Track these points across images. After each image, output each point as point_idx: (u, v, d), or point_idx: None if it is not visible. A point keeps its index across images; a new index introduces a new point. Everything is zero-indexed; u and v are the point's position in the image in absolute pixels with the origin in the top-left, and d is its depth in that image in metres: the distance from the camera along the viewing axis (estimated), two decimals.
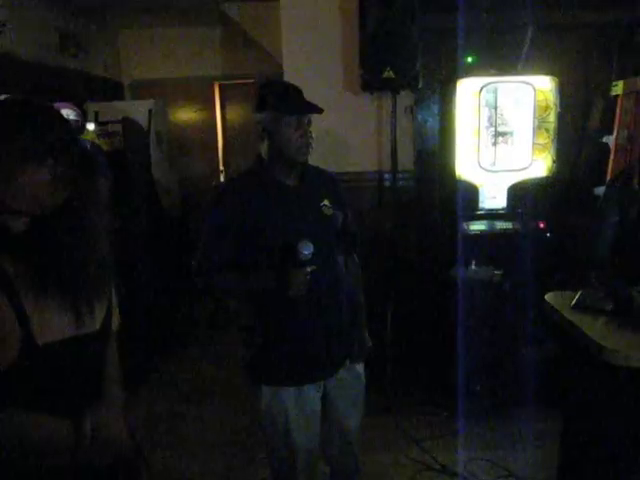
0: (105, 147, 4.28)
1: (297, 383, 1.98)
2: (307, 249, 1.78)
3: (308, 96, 3.63)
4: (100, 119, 4.64)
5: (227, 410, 3.54)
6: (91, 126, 4.40)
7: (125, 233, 4.33)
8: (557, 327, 2.04)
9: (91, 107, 4.72)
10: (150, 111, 4.84)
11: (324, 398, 2.09)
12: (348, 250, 2.14)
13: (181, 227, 5.51)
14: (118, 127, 4.45)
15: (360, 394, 2.19)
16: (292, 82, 3.71)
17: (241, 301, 2.08)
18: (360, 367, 2.17)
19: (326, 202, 1.99)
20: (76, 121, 3.86)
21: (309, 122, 1.92)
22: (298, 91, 1.96)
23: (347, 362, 2.09)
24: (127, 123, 4.41)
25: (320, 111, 1.94)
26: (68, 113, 3.81)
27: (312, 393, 2.02)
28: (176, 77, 6.38)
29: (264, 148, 1.95)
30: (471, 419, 3.19)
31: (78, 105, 3.94)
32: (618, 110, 3.38)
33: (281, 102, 1.90)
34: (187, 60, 6.28)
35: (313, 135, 1.92)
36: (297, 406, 1.99)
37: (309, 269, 1.81)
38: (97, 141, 4.24)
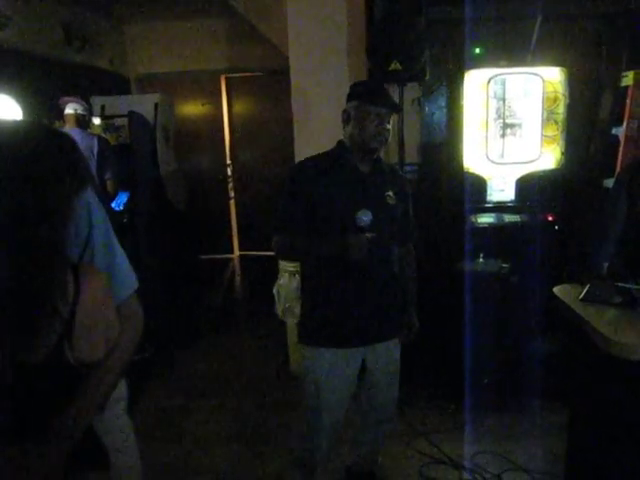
0: (112, 141, 4.28)
1: (334, 345, 2.18)
2: (366, 216, 1.97)
3: (314, 88, 3.62)
4: (106, 113, 4.64)
5: (232, 404, 3.55)
6: (97, 120, 4.40)
7: (132, 227, 4.35)
8: (565, 320, 2.02)
9: (97, 101, 4.72)
10: (156, 105, 4.83)
11: (362, 372, 2.29)
12: (405, 240, 2.35)
13: (188, 221, 5.52)
14: (124, 121, 4.45)
15: (396, 376, 2.41)
16: (298, 74, 3.73)
17: (304, 263, 2.34)
18: (398, 350, 2.38)
19: (390, 193, 2.20)
20: (83, 115, 3.87)
21: (388, 119, 2.11)
22: (385, 90, 2.17)
23: (389, 341, 2.30)
24: (133, 117, 4.41)
25: (398, 110, 2.22)
26: (76, 107, 3.82)
27: (347, 359, 2.20)
28: (182, 70, 6.38)
29: (346, 133, 2.17)
30: (479, 412, 3.19)
31: (84, 99, 3.94)
32: (628, 101, 3.34)
33: (365, 93, 2.12)
34: (193, 53, 6.27)
35: (389, 131, 2.13)
36: (331, 368, 2.19)
37: (368, 235, 1.98)
38: (103, 135, 4.24)
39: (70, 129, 3.83)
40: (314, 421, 2.27)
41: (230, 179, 6.83)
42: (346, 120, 2.15)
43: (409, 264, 2.39)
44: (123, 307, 1.28)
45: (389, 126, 2.12)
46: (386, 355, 2.31)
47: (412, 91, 3.56)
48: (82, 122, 3.87)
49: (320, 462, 2.37)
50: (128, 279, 1.33)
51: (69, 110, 3.82)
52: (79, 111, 3.83)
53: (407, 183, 2.36)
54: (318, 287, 2.21)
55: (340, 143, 2.21)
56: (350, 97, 2.15)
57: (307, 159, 2.21)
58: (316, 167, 2.16)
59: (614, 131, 3.43)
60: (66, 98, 3.85)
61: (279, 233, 2.17)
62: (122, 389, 1.49)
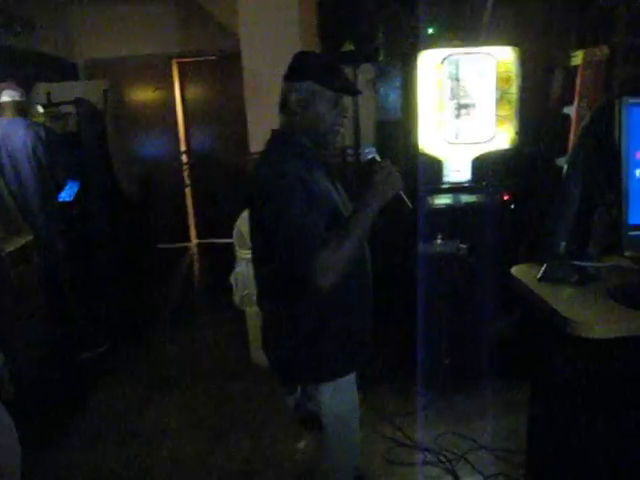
0: (58, 130, 4.10)
1: (352, 369, 1.84)
2: (369, 147, 1.75)
3: (267, 71, 3.54)
4: (52, 100, 4.44)
5: (193, 395, 3.50)
6: (40, 108, 4.20)
7: (83, 217, 4.23)
8: (523, 300, 2.03)
9: (42, 88, 4.50)
10: (105, 91, 4.66)
11: None
12: None
13: (143, 209, 5.39)
14: (71, 108, 4.28)
15: None
16: (249, 57, 3.63)
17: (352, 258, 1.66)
18: None
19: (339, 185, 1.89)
20: (21, 102, 3.66)
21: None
22: (341, 68, 1.79)
23: None
24: (80, 104, 4.25)
25: (359, 94, 1.93)
26: (13, 95, 3.60)
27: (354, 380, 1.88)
28: (132, 55, 6.18)
29: (292, 120, 1.72)
30: (441, 393, 3.21)
31: (27, 86, 3.74)
32: (578, 80, 3.36)
33: (326, 75, 1.70)
34: (143, 37, 6.09)
35: (348, 117, 1.82)
36: (353, 392, 1.86)
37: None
38: (48, 124, 4.05)
39: (12, 118, 3.64)
40: (350, 455, 1.94)
41: (185, 166, 6.68)
42: (295, 106, 1.69)
43: None
44: None
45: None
46: None
47: (366, 72, 3.51)
48: (22, 110, 3.66)
49: None
50: None
51: (6, 98, 3.58)
52: (17, 98, 3.60)
53: None
54: (323, 313, 1.73)
55: (289, 135, 1.75)
56: (301, 76, 1.68)
57: (287, 161, 1.67)
58: (301, 167, 1.67)
59: (566, 110, 3.46)
60: (0, 85, 3.63)
61: (320, 250, 1.53)
62: None
